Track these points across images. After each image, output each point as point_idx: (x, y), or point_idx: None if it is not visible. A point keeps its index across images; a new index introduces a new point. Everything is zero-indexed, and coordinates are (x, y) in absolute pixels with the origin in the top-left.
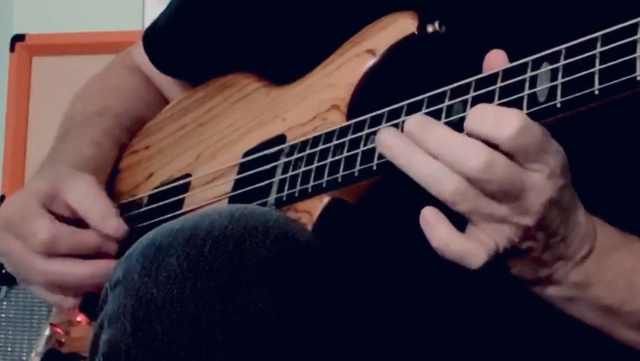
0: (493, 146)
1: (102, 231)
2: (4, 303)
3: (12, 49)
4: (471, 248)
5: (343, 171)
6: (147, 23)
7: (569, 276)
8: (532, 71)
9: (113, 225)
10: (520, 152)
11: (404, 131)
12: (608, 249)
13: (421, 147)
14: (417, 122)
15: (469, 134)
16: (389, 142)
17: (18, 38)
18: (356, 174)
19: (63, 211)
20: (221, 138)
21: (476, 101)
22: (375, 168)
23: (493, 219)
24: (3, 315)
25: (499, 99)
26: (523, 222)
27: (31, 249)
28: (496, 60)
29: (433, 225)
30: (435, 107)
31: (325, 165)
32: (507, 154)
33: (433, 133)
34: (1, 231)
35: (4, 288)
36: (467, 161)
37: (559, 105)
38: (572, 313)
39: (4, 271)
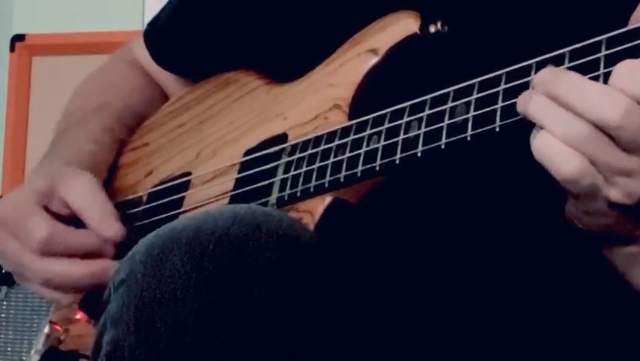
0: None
1: (100, 233)
2: (4, 303)
3: (12, 49)
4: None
5: (346, 171)
6: (147, 23)
7: None
8: (536, 73)
9: (112, 227)
10: None
11: (535, 84)
12: None
13: (554, 96)
14: (547, 72)
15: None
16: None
17: (18, 38)
18: (359, 174)
19: (61, 209)
20: (222, 135)
21: (480, 102)
22: (378, 168)
23: (619, 171)
24: (3, 315)
25: (502, 101)
26: None
27: (27, 247)
28: None
29: (561, 153)
30: (438, 109)
31: (327, 164)
32: None
33: (565, 79)
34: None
35: (4, 288)
36: (605, 108)
37: None
38: (637, 278)
39: (3, 271)
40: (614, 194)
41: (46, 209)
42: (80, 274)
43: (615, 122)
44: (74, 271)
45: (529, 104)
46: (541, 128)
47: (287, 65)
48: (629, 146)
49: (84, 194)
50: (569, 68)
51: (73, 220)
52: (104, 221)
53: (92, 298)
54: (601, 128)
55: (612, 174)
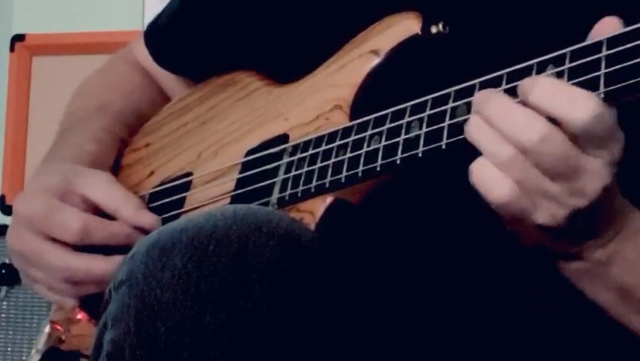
0: (553, 122)
1: (136, 223)
2: (4, 303)
3: (12, 49)
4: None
5: (347, 171)
6: (147, 23)
7: (594, 253)
8: (537, 73)
9: (148, 217)
10: (587, 137)
11: (472, 105)
12: (633, 232)
13: (482, 115)
14: (481, 94)
15: (534, 108)
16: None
17: (18, 38)
18: (360, 175)
19: (79, 205)
20: (223, 136)
21: None
22: (378, 168)
23: (542, 195)
24: (3, 315)
25: None
26: (575, 203)
27: (64, 240)
28: (607, 27)
29: (493, 179)
30: (439, 109)
31: (328, 165)
32: (571, 135)
33: (494, 102)
34: (18, 228)
35: (4, 288)
36: (526, 131)
37: None
38: (589, 292)
39: (4, 271)
40: (541, 217)
41: None
42: (104, 270)
43: (533, 145)
44: (100, 266)
45: (467, 125)
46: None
47: (288, 65)
48: (551, 172)
49: (107, 188)
50: (570, 69)
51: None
52: (139, 211)
53: (93, 298)
54: (523, 152)
55: (538, 197)
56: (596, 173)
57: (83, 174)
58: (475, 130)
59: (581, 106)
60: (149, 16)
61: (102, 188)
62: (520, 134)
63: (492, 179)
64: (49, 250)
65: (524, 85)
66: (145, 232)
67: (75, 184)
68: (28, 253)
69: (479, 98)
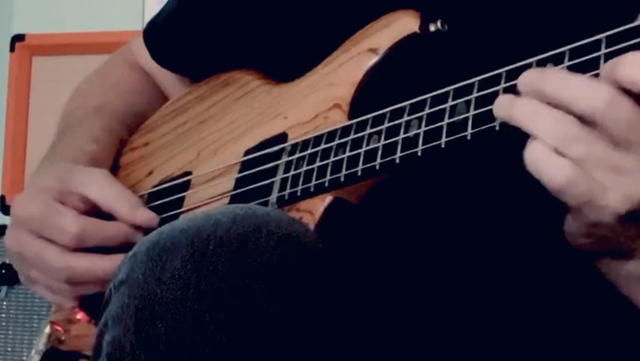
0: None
1: (133, 222)
2: (4, 303)
3: (12, 49)
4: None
5: (346, 170)
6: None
7: None
8: None
9: (146, 215)
10: None
11: (520, 85)
12: None
13: (539, 93)
14: (532, 72)
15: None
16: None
17: (18, 38)
18: (359, 174)
19: (78, 206)
20: (222, 135)
21: (480, 101)
22: (378, 167)
23: (612, 169)
24: (3, 315)
25: None
26: None
27: (60, 244)
28: None
29: (549, 162)
30: (438, 107)
31: (327, 164)
32: None
33: (551, 76)
34: (16, 230)
35: (4, 288)
36: (591, 98)
37: None
38: (635, 295)
39: (4, 271)
40: (613, 198)
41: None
42: (109, 269)
43: (600, 112)
44: (103, 266)
45: (514, 109)
46: (529, 134)
47: (287, 64)
48: (619, 139)
49: (105, 186)
50: (569, 67)
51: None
52: (134, 209)
53: (92, 298)
54: (589, 123)
55: (607, 174)
56: None
57: (80, 172)
58: (529, 111)
59: None
60: (149, 16)
61: (99, 186)
62: (585, 102)
63: (552, 164)
64: (49, 251)
65: (611, 63)
66: (143, 230)
67: (72, 183)
68: (26, 254)
69: (532, 77)
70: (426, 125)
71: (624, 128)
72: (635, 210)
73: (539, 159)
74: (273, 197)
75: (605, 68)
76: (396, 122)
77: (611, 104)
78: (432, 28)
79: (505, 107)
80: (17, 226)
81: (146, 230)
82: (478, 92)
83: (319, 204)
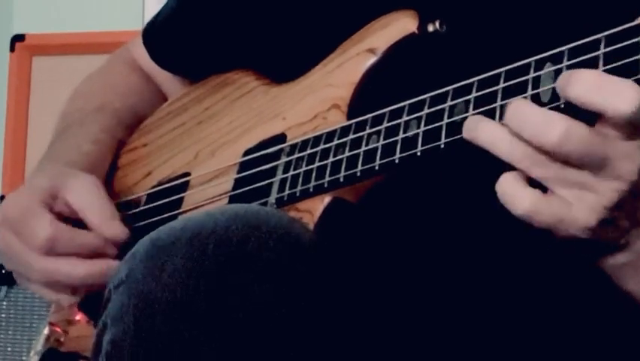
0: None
1: (101, 233)
2: (4, 303)
3: (12, 49)
4: (567, 212)
5: (345, 170)
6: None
7: (637, 242)
8: (535, 71)
9: (115, 229)
10: (630, 126)
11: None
12: None
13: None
14: (512, 104)
15: (575, 103)
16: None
17: (18, 38)
18: (358, 174)
19: (64, 210)
20: (221, 136)
21: (479, 101)
22: (377, 167)
23: (572, 186)
24: (3, 315)
25: (501, 99)
26: (611, 187)
27: (31, 247)
28: None
29: (512, 194)
30: (437, 108)
31: (327, 164)
32: (613, 125)
33: (513, 110)
34: (1, 228)
35: (4, 288)
36: (544, 132)
37: (562, 106)
38: (629, 285)
39: (4, 271)
40: (579, 214)
41: (50, 210)
42: (83, 274)
43: (554, 145)
44: (78, 271)
45: (478, 131)
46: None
47: (285, 65)
48: (575, 163)
49: (85, 194)
50: (568, 67)
51: (77, 221)
52: (106, 222)
53: (91, 299)
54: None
55: (565, 189)
56: (629, 155)
57: (69, 177)
58: (489, 135)
59: (626, 98)
60: (149, 16)
61: (79, 193)
62: (538, 139)
63: (514, 193)
64: (29, 253)
65: (562, 79)
66: (117, 243)
67: (60, 188)
68: (10, 253)
69: (510, 108)
70: (425, 126)
71: (578, 156)
72: (606, 218)
73: (504, 192)
74: (272, 197)
75: (557, 84)
76: (395, 122)
77: (564, 137)
78: (430, 28)
79: (469, 129)
80: (2, 224)
81: (120, 244)
82: (477, 92)
83: (318, 204)
